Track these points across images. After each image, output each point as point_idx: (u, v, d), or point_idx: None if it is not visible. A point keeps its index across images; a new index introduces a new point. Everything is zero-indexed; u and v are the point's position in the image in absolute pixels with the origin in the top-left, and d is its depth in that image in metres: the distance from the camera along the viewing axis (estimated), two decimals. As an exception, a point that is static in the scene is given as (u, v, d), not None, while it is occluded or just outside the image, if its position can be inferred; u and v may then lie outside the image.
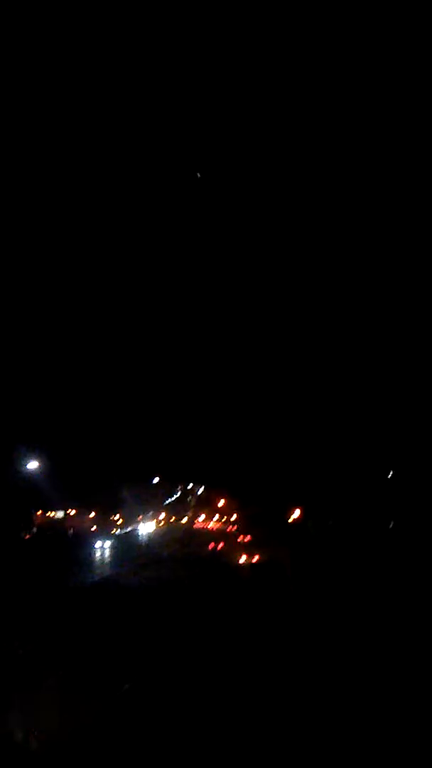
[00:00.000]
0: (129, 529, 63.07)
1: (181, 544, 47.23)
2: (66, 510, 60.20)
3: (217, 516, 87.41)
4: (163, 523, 73.91)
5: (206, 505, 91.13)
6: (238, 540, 56.23)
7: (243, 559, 36.14)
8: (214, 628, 16.50)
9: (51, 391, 43.14)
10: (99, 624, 16.90)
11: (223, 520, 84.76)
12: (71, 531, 55.91)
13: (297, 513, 57.24)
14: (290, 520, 56.25)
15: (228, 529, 68.76)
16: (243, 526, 66.02)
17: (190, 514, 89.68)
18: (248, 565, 34.66)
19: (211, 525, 79.70)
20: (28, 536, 48.08)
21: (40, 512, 57.48)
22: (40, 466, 41.85)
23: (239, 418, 54.77)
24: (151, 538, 59.20)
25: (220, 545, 50.89)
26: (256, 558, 35.36)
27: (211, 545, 50.10)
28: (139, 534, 63.67)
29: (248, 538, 57.67)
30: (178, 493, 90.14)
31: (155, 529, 68.15)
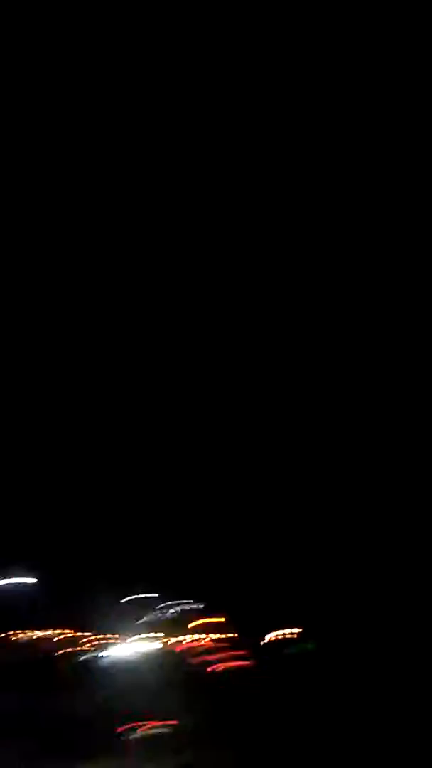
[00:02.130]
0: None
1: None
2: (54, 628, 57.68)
3: (206, 636, 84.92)
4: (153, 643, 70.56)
5: (192, 622, 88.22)
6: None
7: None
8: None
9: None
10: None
11: (212, 638, 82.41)
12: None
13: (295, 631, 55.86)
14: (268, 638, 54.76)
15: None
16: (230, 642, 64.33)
17: (180, 634, 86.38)
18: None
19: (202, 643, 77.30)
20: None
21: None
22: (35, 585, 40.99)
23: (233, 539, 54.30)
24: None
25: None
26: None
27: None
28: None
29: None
30: (169, 612, 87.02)
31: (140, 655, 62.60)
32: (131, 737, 18.36)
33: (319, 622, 44.98)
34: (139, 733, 18.15)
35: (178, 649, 72.33)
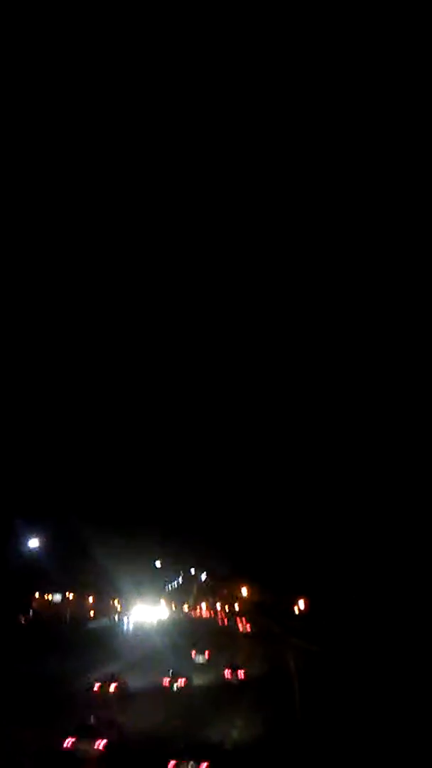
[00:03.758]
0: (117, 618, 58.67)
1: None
2: (64, 593, 57.92)
3: (218, 605, 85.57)
4: (167, 611, 71.55)
5: (208, 592, 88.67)
6: (240, 629, 56.30)
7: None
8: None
9: (53, 469, 42.44)
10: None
11: (225, 609, 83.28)
12: (69, 615, 53.58)
13: (302, 604, 55.85)
14: (297, 612, 54.85)
15: (222, 618, 69.24)
16: (247, 615, 65.57)
17: (191, 601, 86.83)
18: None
19: (209, 613, 78.85)
20: (25, 621, 45.99)
21: (37, 595, 55.42)
22: (40, 546, 40.39)
23: (245, 505, 53.95)
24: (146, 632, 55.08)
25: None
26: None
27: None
28: (125, 625, 56.93)
29: (249, 627, 57.12)
30: (180, 580, 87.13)
31: (159, 620, 64.23)
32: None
33: (325, 593, 44.75)
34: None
35: (194, 615, 73.58)
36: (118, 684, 25.39)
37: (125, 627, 54.48)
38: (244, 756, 16.98)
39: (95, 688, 24.91)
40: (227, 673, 29.50)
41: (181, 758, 15.56)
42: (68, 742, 16.46)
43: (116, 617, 58.48)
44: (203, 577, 76.80)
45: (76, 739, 16.65)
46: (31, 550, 40.04)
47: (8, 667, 26.87)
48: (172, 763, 15.29)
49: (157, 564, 64.63)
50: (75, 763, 16.22)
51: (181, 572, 75.64)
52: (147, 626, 57.68)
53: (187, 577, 77.69)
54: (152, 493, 50.29)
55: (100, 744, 16.74)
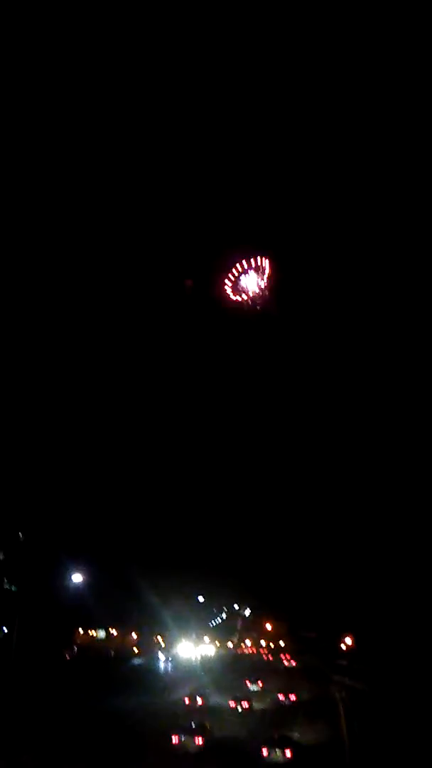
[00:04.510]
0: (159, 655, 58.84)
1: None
2: (107, 629, 58.13)
3: (263, 641, 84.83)
4: (212, 648, 71.11)
5: (252, 628, 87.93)
6: (286, 664, 56.05)
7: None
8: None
9: (95, 508, 42.98)
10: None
11: (270, 646, 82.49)
12: (113, 652, 53.68)
13: (349, 641, 54.86)
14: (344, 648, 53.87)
15: (266, 654, 68.95)
16: (291, 651, 64.90)
17: (235, 637, 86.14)
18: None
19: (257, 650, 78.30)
20: (69, 656, 46.23)
21: (81, 630, 55.72)
22: (84, 581, 40.77)
23: (290, 541, 53.67)
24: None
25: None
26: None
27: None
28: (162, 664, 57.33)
29: (294, 663, 56.57)
30: (224, 615, 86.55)
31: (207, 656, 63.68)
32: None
33: (373, 630, 44.01)
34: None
35: (239, 651, 73.48)
36: (203, 698, 32.71)
37: (170, 663, 54.16)
38: (311, 750, 21.97)
39: (186, 701, 31.93)
40: (280, 696, 34.83)
41: (271, 746, 20.83)
42: (175, 738, 22.14)
43: (160, 653, 58.16)
44: (247, 612, 75.77)
45: (181, 736, 22.23)
46: (75, 586, 40.50)
47: (77, 700, 30.87)
48: (265, 751, 20.75)
49: (200, 599, 64.13)
50: (183, 754, 21.46)
51: (225, 608, 74.95)
52: (193, 662, 57.31)
53: (231, 613, 76.72)
54: (195, 528, 50.31)
55: (200, 740, 22.38)
